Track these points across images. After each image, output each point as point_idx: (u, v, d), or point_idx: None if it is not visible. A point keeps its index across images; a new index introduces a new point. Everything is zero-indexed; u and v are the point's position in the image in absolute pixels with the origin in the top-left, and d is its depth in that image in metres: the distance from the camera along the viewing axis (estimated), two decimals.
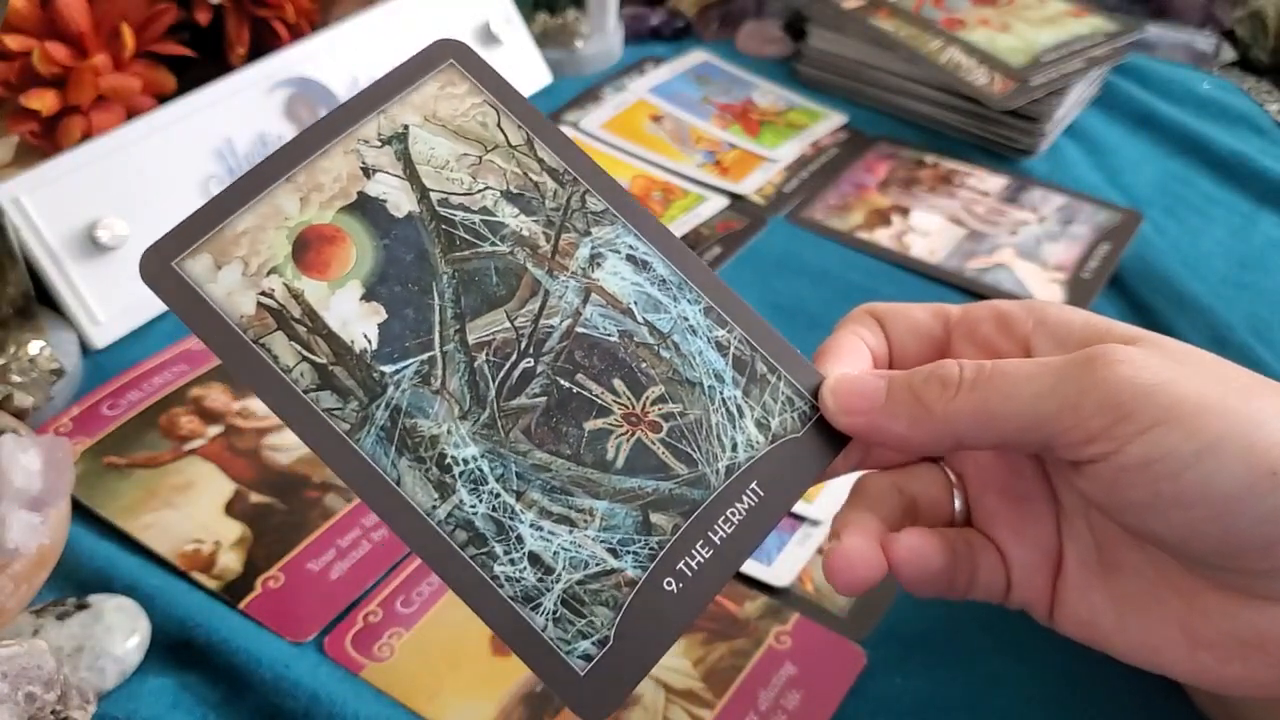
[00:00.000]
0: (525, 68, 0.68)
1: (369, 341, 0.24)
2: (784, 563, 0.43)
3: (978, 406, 0.26)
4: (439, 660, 0.39)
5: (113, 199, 0.50)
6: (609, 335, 0.25)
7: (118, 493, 0.44)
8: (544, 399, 0.24)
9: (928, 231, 0.60)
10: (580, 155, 0.27)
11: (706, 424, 0.25)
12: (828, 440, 0.27)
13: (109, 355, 0.50)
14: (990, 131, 0.66)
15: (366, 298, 0.24)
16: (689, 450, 0.25)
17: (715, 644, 0.40)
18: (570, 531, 0.24)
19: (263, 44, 0.62)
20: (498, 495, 0.24)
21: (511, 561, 0.24)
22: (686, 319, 0.26)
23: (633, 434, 0.25)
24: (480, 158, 0.25)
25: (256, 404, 0.48)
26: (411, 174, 0.25)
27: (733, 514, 0.25)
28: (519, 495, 0.24)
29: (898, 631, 0.41)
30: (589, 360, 0.25)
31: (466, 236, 0.25)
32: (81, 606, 0.38)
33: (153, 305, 0.52)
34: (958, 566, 0.30)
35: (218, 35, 0.61)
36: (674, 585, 0.23)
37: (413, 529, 0.24)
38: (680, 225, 0.59)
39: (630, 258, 0.26)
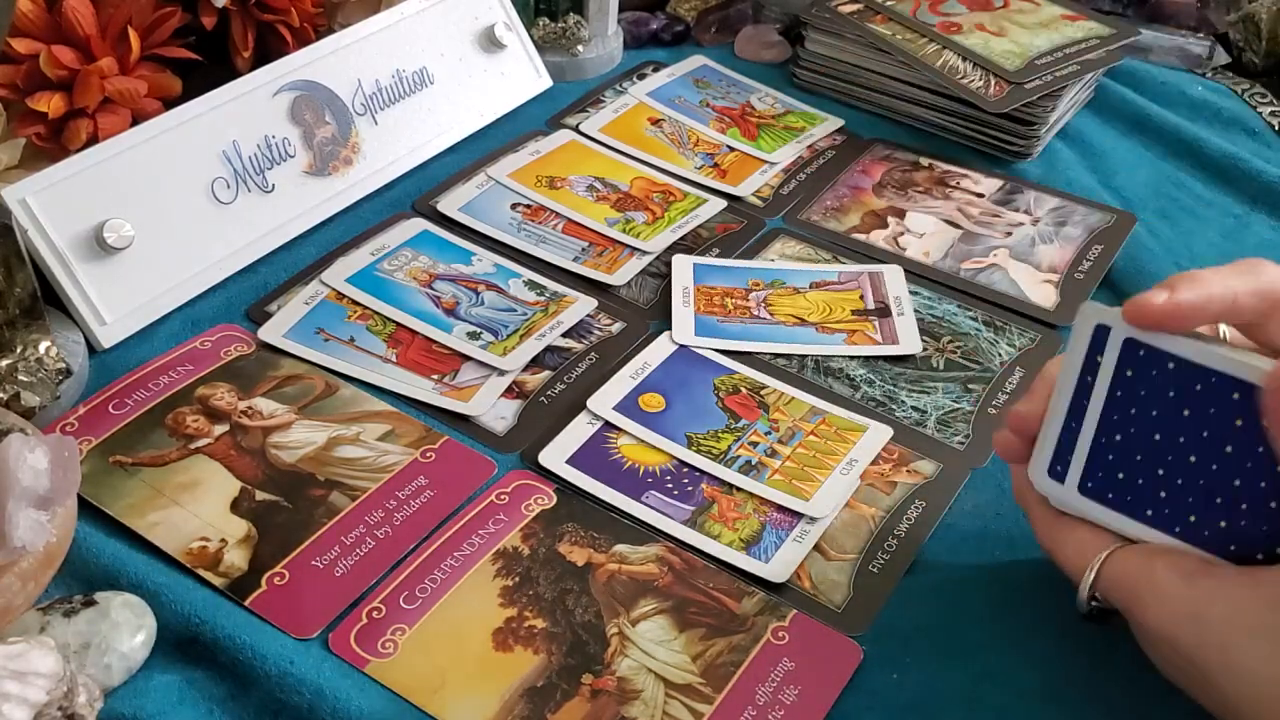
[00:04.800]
0: (526, 72, 0.68)
1: None
2: (781, 559, 0.43)
3: None
4: (442, 656, 0.39)
5: (119, 201, 0.51)
6: None
7: (124, 491, 0.44)
8: None
9: (923, 233, 0.61)
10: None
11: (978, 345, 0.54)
12: None
13: (115, 355, 0.50)
14: (985, 134, 0.66)
15: None
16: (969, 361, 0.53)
17: (714, 640, 0.40)
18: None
19: (268, 48, 0.63)
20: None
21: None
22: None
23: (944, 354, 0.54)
24: None
25: (262, 403, 0.48)
26: None
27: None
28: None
29: (894, 627, 0.41)
30: None
31: None
32: (88, 603, 0.38)
33: (159, 306, 0.52)
34: None
35: (223, 39, 0.62)
36: None
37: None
38: (679, 227, 0.60)
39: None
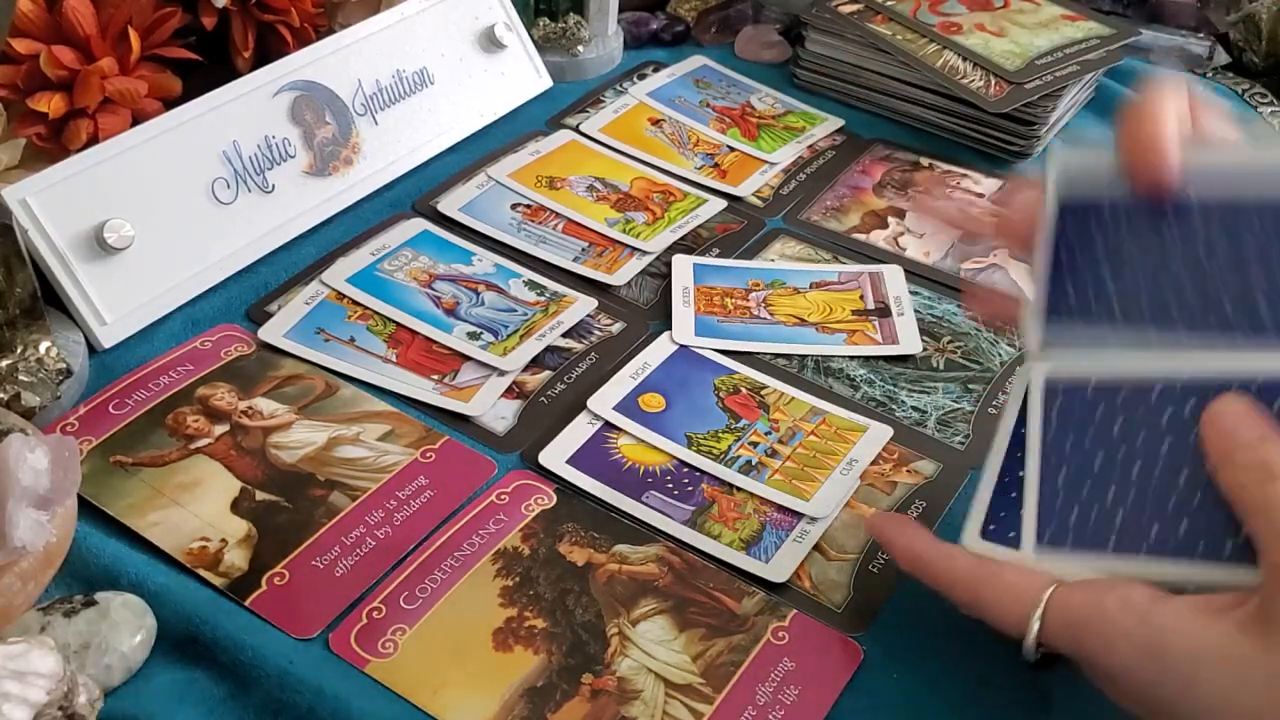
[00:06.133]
0: (526, 72, 0.68)
1: None
2: (781, 559, 0.43)
3: None
4: (442, 656, 0.39)
5: (120, 201, 0.51)
6: None
7: (124, 491, 0.44)
8: None
9: (923, 233, 0.61)
10: None
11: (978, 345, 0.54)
12: None
13: (116, 355, 0.50)
14: (985, 134, 0.66)
15: None
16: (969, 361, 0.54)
17: (714, 640, 0.40)
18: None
19: (268, 49, 0.63)
20: None
21: None
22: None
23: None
24: None
25: (262, 403, 0.48)
26: None
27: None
28: None
29: (894, 627, 0.41)
30: None
31: None
32: (88, 604, 0.38)
33: (159, 306, 0.52)
34: None
35: (223, 40, 0.62)
36: None
37: None
38: (680, 227, 0.60)
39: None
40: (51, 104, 0.53)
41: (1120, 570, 0.34)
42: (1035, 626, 0.34)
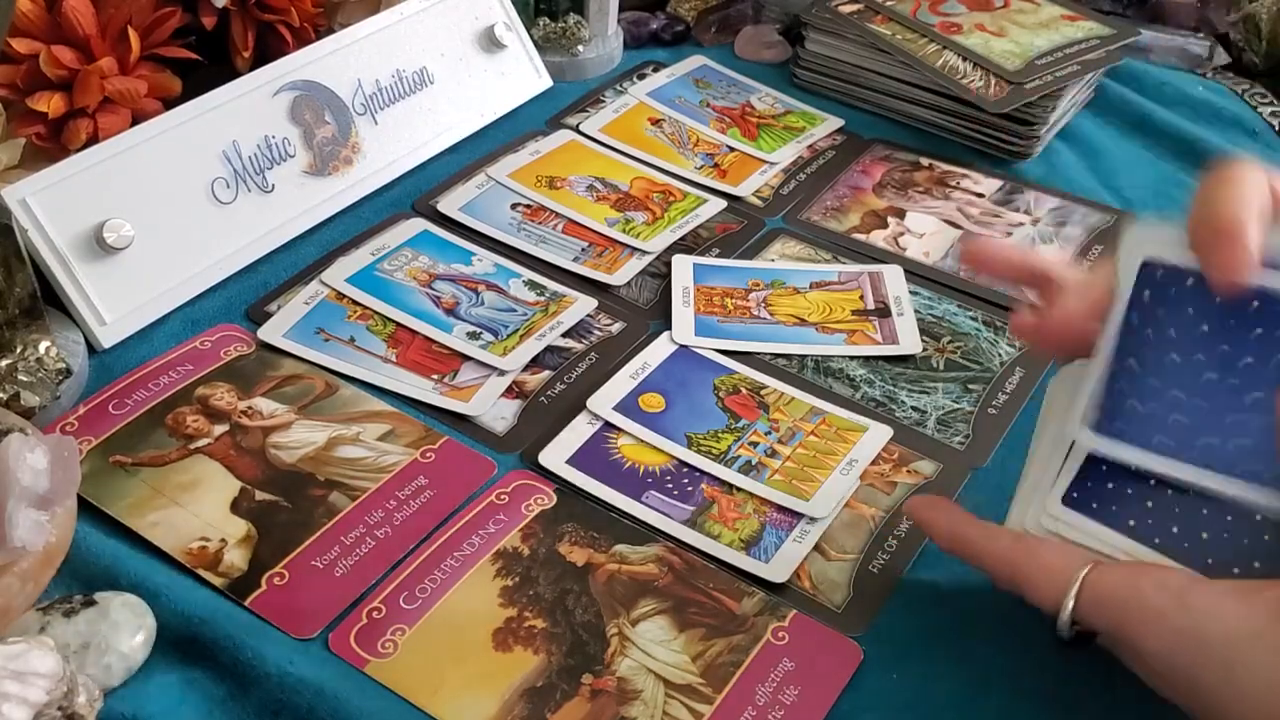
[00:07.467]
0: (526, 72, 0.68)
1: None
2: (781, 559, 0.43)
3: None
4: (442, 656, 0.39)
5: (119, 201, 0.51)
6: None
7: (124, 491, 0.44)
8: None
9: (923, 233, 0.61)
10: None
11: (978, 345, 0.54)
12: None
13: (115, 355, 0.50)
14: (985, 134, 0.66)
15: None
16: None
17: (714, 640, 0.40)
18: None
19: (268, 48, 0.63)
20: None
21: None
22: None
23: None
24: None
25: (262, 403, 0.48)
26: None
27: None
28: None
29: (894, 627, 0.41)
30: None
31: None
32: (88, 603, 0.38)
33: (159, 306, 0.52)
34: None
35: (223, 39, 0.62)
36: None
37: None
38: (679, 227, 0.60)
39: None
40: (51, 104, 0.53)
41: (1155, 467, 0.34)
42: (1070, 604, 0.34)
